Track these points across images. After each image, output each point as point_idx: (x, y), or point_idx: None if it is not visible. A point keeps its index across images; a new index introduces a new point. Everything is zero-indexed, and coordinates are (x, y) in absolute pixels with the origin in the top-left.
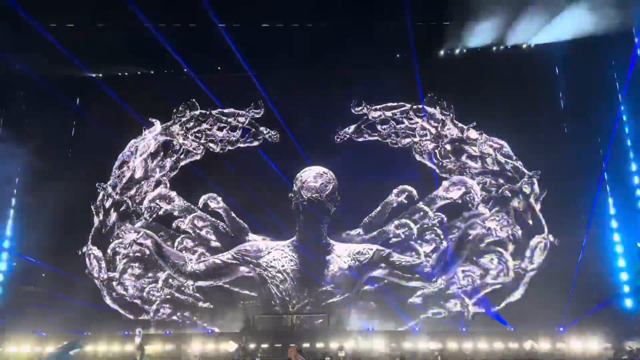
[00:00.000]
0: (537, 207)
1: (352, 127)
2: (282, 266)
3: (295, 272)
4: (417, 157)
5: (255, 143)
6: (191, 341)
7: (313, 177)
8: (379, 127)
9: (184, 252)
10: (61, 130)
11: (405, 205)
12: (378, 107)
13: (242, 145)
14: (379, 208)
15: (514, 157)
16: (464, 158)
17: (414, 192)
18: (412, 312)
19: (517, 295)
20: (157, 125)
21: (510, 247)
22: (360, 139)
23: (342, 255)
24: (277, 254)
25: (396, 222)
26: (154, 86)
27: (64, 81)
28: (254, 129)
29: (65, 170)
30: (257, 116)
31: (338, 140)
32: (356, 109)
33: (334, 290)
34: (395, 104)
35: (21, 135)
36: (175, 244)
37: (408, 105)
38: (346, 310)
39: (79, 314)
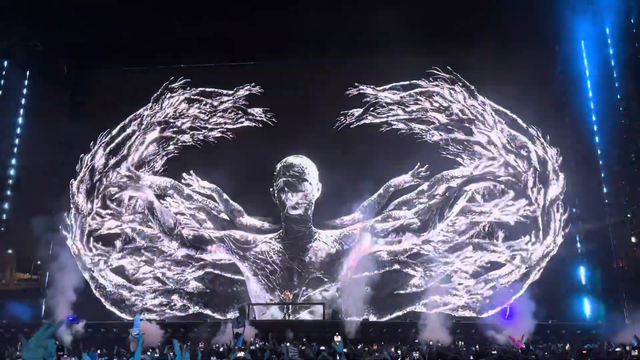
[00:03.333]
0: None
1: (359, 111)
2: (271, 257)
3: (284, 262)
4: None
5: (246, 123)
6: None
7: (293, 157)
8: (386, 109)
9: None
10: None
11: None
12: (387, 87)
13: (230, 126)
14: (380, 190)
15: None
16: (477, 141)
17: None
18: (405, 299)
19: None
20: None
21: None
22: (363, 122)
23: (328, 241)
24: (264, 246)
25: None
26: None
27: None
28: (241, 112)
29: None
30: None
31: (340, 126)
32: (360, 90)
33: (324, 277)
34: (405, 82)
35: None
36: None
37: (421, 86)
38: (338, 297)
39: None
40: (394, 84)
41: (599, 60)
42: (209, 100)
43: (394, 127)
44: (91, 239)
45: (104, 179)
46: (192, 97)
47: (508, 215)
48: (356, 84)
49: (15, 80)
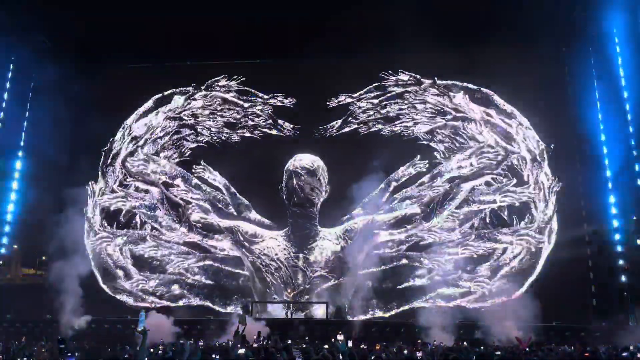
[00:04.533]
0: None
1: (339, 122)
2: (276, 254)
3: (289, 260)
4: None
5: (273, 131)
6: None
7: (303, 155)
8: (364, 115)
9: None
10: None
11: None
12: (363, 91)
13: (259, 130)
14: (382, 185)
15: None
16: (465, 137)
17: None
18: (412, 293)
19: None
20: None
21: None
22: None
23: (332, 238)
24: (270, 242)
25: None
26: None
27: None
28: (271, 120)
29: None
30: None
31: (320, 135)
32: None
33: (329, 274)
34: (378, 84)
35: None
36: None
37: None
38: (342, 294)
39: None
40: (369, 87)
41: (607, 59)
42: (233, 107)
43: (382, 132)
44: (105, 222)
45: (123, 164)
46: (210, 98)
47: (510, 199)
48: (333, 98)
49: (23, 76)
